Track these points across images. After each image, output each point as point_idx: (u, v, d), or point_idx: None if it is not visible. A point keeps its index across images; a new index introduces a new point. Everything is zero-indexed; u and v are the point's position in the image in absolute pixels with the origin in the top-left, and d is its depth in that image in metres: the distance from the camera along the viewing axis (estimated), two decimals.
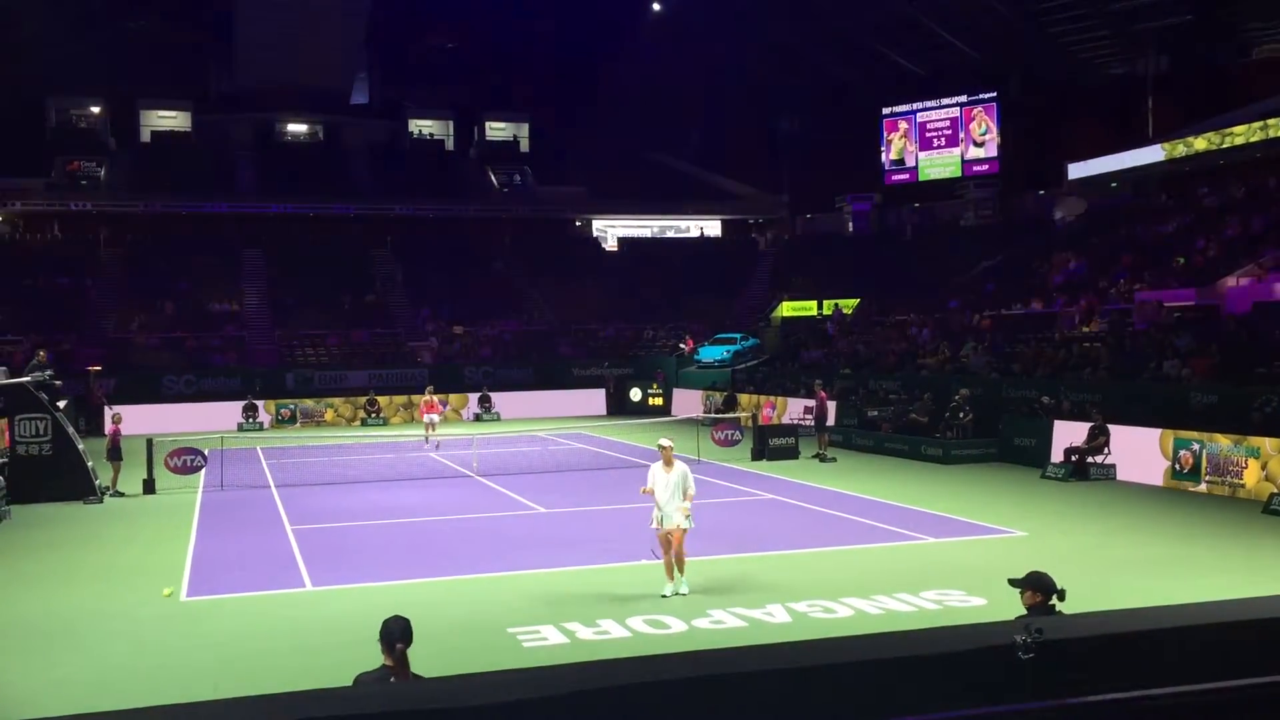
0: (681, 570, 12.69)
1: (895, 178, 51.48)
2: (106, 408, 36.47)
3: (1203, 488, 19.96)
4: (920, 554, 15.14)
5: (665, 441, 12.97)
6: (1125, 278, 33.22)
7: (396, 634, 6.01)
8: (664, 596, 12.47)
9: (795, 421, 29.94)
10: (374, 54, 58.35)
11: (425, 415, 31.38)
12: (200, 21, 51.44)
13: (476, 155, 58.01)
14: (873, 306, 43.27)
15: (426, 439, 30.75)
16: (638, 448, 29.22)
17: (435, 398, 32.17)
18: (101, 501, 21.18)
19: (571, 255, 54.43)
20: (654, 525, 12.65)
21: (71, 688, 9.82)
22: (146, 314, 44.83)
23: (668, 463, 12.67)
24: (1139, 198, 40.33)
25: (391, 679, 5.71)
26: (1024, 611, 7.21)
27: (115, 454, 22.09)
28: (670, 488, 12.53)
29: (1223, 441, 19.79)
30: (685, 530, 12.57)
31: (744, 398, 35.97)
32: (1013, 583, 7.25)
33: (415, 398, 39.24)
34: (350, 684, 5.70)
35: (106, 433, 22.35)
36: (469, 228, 54.11)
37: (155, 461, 22.75)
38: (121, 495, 21.79)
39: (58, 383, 23.85)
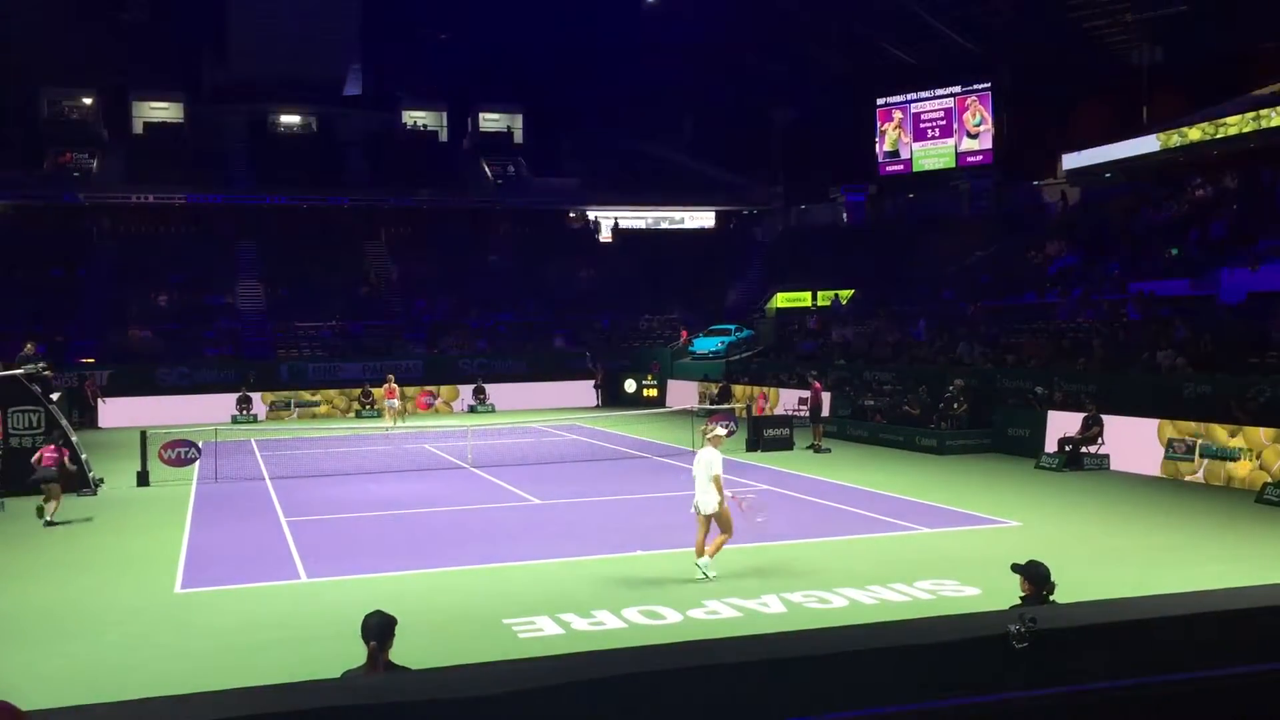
0: (703, 551, 13.01)
1: (889, 169, 51.43)
2: (101, 402, 36.53)
3: (1196, 477, 20.01)
4: (914, 544, 15.17)
5: (705, 426, 14.11)
6: (1119, 268, 33.26)
7: (374, 630, 6.00)
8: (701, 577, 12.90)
9: (790, 412, 29.96)
10: (367, 45, 58.09)
11: (387, 401, 34.03)
12: (193, 13, 51.17)
13: (470, 146, 57.86)
14: (867, 297, 43.29)
15: (393, 423, 33.11)
16: (632, 439, 29.23)
17: (395, 386, 34.63)
18: (95, 494, 21.14)
19: (566, 246, 54.39)
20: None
21: (65, 680, 9.81)
22: (140, 306, 44.72)
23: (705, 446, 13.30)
24: (1133, 188, 40.34)
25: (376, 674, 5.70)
26: (1018, 601, 7.27)
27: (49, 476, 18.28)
28: (696, 472, 13.14)
29: (1216, 432, 19.85)
30: (703, 515, 13.00)
31: (738, 389, 35.98)
32: (1014, 568, 7.45)
33: (409, 389, 39.32)
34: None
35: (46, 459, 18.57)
36: (463, 219, 54.02)
37: (149, 454, 22.72)
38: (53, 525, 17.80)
39: (49, 374, 23.76)
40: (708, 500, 12.87)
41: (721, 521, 13.02)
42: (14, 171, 47.83)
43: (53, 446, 18.87)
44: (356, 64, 58.88)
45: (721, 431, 13.97)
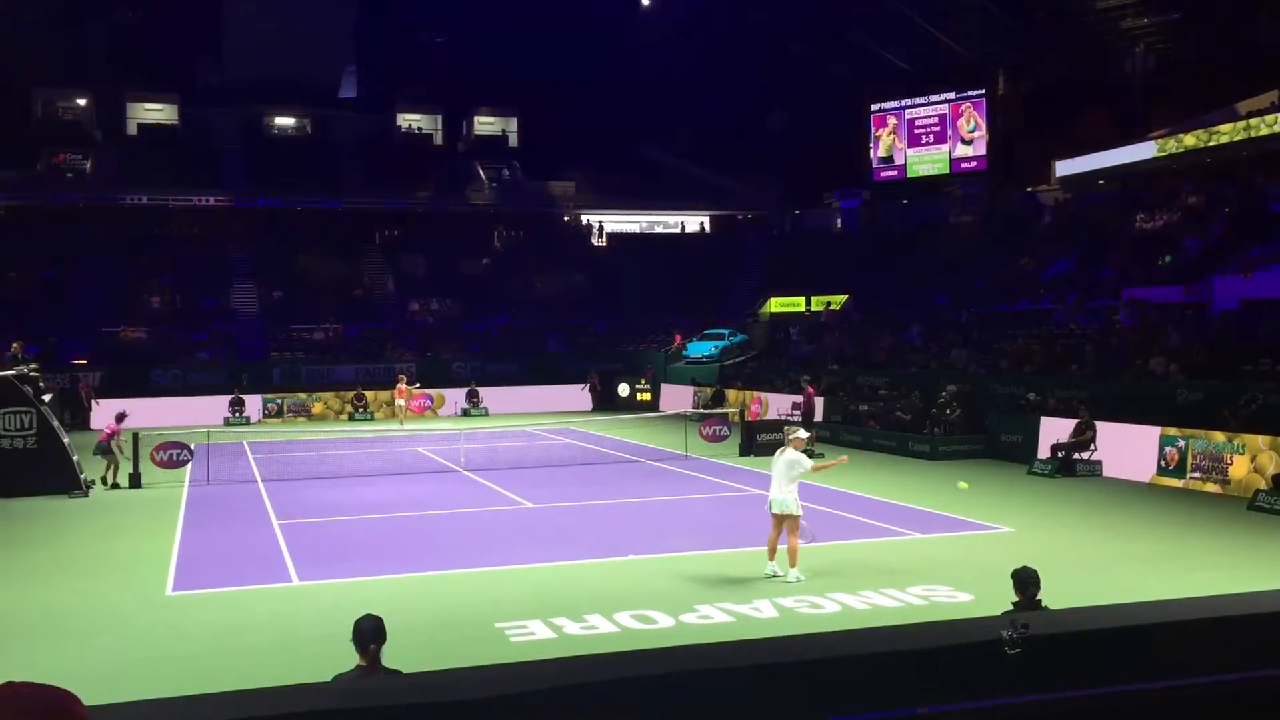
0: (791, 560, 13.00)
1: (884, 174, 51.53)
2: (94, 403, 36.40)
3: (1189, 483, 20.04)
4: (907, 549, 15.17)
5: (786, 429, 14.83)
6: (1112, 275, 33.34)
7: (369, 634, 5.98)
8: (769, 575, 13.07)
9: (783, 417, 29.94)
10: (362, 47, 58.18)
11: (398, 400, 35.73)
12: (187, 14, 51.20)
13: (465, 149, 57.88)
14: (860, 303, 43.34)
15: (402, 421, 34.47)
16: (625, 443, 29.22)
17: (405, 387, 35.86)
18: (87, 495, 21.07)
19: (560, 250, 54.38)
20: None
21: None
22: (133, 308, 44.64)
23: (784, 448, 13.36)
24: (1126, 195, 40.47)
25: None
26: (1010, 606, 7.30)
27: (102, 450, 22.27)
28: (777, 471, 13.07)
29: (1208, 438, 19.88)
30: (775, 514, 13.00)
31: (732, 393, 35.99)
32: (1013, 575, 7.65)
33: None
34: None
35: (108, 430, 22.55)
36: (458, 222, 54.02)
37: (141, 455, 22.66)
38: (117, 487, 21.98)
39: (37, 375, 23.58)
40: (785, 500, 12.94)
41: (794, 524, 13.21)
42: (7, 172, 47.75)
43: (111, 424, 22.38)
44: (351, 66, 58.96)
45: (804, 434, 14.21)
